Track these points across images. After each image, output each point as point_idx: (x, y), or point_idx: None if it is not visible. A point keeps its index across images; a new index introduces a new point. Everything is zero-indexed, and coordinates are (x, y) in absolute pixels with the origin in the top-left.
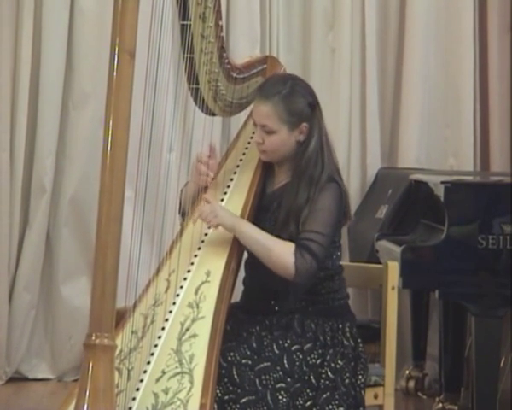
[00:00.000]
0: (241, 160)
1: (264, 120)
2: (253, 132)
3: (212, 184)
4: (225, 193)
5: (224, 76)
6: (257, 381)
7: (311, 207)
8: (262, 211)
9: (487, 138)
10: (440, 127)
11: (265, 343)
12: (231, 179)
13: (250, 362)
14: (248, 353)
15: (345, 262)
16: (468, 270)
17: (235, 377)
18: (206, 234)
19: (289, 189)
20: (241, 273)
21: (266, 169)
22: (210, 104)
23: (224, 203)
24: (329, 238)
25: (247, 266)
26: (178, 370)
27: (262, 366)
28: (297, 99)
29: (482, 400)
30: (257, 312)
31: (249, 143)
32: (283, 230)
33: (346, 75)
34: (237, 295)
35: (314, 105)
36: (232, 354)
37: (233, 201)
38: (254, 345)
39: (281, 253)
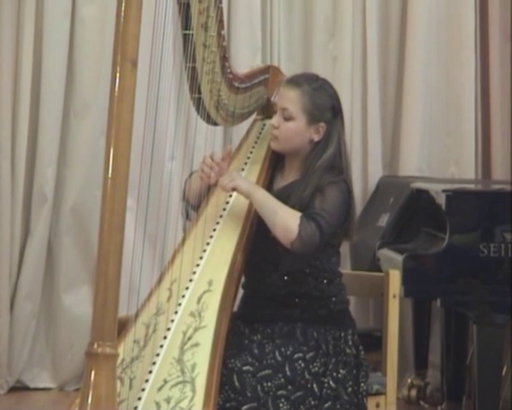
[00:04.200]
0: (243, 170)
1: (288, 104)
2: (256, 142)
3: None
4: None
5: (226, 86)
6: (259, 388)
7: (319, 194)
8: None
9: (489, 146)
10: (442, 135)
11: (267, 350)
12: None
13: (252, 369)
14: (250, 360)
15: (346, 271)
16: (469, 278)
17: (236, 384)
18: (208, 243)
19: (297, 186)
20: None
21: (275, 168)
22: (212, 114)
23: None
24: (334, 223)
25: (246, 270)
26: (180, 379)
27: (264, 373)
28: (324, 96)
29: (484, 408)
30: (256, 318)
31: (251, 152)
32: None
33: (348, 83)
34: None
35: (337, 111)
36: (233, 360)
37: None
38: (256, 351)
39: (286, 215)
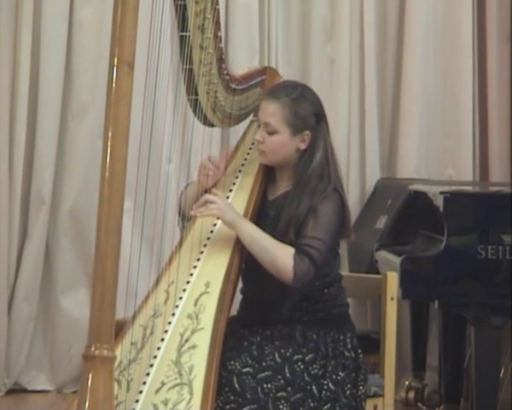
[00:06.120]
0: (240, 171)
1: (269, 118)
2: (253, 143)
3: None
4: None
5: (223, 87)
6: (259, 389)
7: (312, 214)
8: (262, 217)
9: (486, 148)
10: (439, 138)
11: (267, 352)
12: (231, 190)
13: (251, 370)
14: (249, 361)
15: (344, 273)
16: (467, 280)
17: (236, 386)
18: (205, 245)
19: (291, 197)
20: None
21: (267, 176)
22: (209, 115)
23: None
24: (328, 245)
25: (244, 275)
26: (178, 381)
27: (263, 374)
28: (304, 105)
29: None
30: (255, 322)
31: (248, 153)
32: (283, 237)
33: (345, 85)
34: (234, 307)
35: (320, 116)
36: (232, 362)
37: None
38: (255, 353)
39: (280, 255)
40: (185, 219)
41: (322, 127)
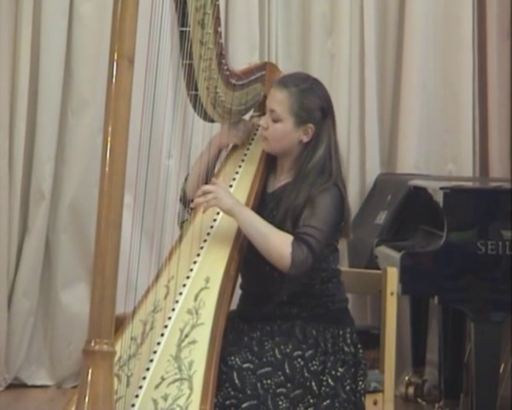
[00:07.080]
0: (240, 167)
1: (275, 106)
2: (252, 139)
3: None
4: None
5: (223, 82)
6: (259, 385)
7: (310, 204)
8: (261, 209)
9: (486, 144)
10: (439, 133)
11: (267, 348)
12: (231, 186)
13: (252, 366)
14: (249, 357)
15: (344, 268)
16: (467, 276)
17: (236, 381)
18: (205, 240)
19: (290, 189)
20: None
21: (269, 169)
22: (209, 110)
23: None
24: (326, 236)
25: (243, 270)
26: (178, 376)
27: (264, 370)
28: (312, 98)
29: (482, 406)
30: (255, 317)
31: (248, 149)
32: (280, 228)
33: (345, 81)
34: (234, 302)
35: (326, 112)
36: (233, 358)
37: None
38: (256, 349)
39: (278, 242)
40: (187, 203)
41: (327, 123)
